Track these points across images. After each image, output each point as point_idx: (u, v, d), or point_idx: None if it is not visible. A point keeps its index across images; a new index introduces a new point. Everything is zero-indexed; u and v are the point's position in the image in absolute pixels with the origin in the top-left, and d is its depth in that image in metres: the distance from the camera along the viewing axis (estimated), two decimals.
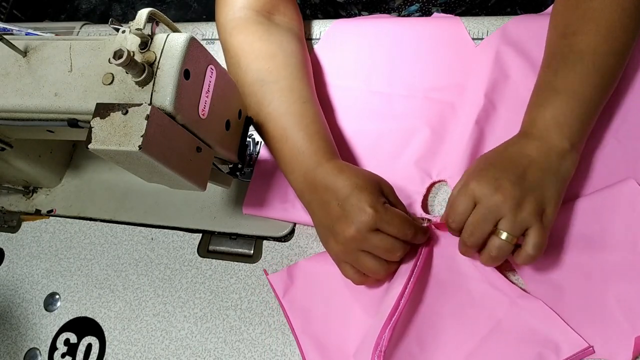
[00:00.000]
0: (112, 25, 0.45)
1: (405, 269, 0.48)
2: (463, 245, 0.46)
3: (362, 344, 0.47)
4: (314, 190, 0.49)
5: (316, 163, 0.49)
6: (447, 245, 0.50)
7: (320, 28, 0.67)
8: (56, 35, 0.52)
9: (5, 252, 0.67)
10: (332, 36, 0.66)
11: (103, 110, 0.41)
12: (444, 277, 0.50)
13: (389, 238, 0.45)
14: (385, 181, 0.49)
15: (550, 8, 0.55)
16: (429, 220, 0.52)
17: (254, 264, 0.57)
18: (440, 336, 0.47)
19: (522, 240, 0.43)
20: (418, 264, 0.48)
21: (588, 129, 0.47)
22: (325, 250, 0.50)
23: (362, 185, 0.46)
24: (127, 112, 0.40)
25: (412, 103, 0.58)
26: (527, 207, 0.42)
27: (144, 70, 0.41)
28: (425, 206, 0.54)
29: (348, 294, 0.52)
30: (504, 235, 0.42)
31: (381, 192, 0.47)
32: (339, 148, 0.53)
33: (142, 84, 0.42)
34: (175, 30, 0.46)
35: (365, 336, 0.47)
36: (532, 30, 0.57)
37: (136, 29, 0.41)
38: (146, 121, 0.39)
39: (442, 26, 0.62)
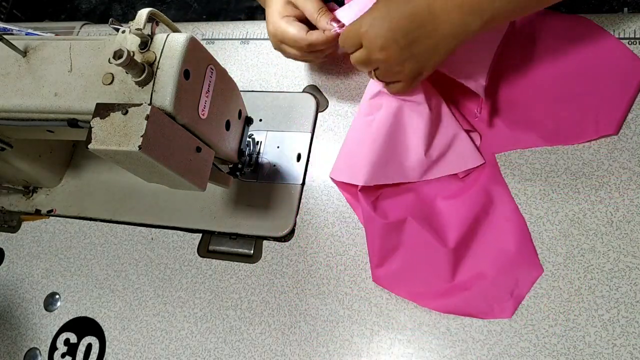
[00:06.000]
0: (112, 25, 0.45)
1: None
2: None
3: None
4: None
5: None
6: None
7: None
8: (56, 35, 0.52)
9: (5, 252, 0.67)
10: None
11: (103, 110, 0.41)
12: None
13: (293, 50, 0.53)
14: None
15: None
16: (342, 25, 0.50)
17: (254, 264, 0.57)
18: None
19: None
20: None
21: (500, 14, 0.42)
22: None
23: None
24: (127, 112, 0.40)
25: None
26: (404, 69, 0.44)
27: (143, 70, 0.41)
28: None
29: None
30: (374, 76, 0.48)
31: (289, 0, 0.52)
32: None
33: (142, 84, 0.42)
34: (175, 30, 0.46)
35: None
36: None
37: (136, 29, 0.41)
38: (146, 121, 0.39)
39: None
